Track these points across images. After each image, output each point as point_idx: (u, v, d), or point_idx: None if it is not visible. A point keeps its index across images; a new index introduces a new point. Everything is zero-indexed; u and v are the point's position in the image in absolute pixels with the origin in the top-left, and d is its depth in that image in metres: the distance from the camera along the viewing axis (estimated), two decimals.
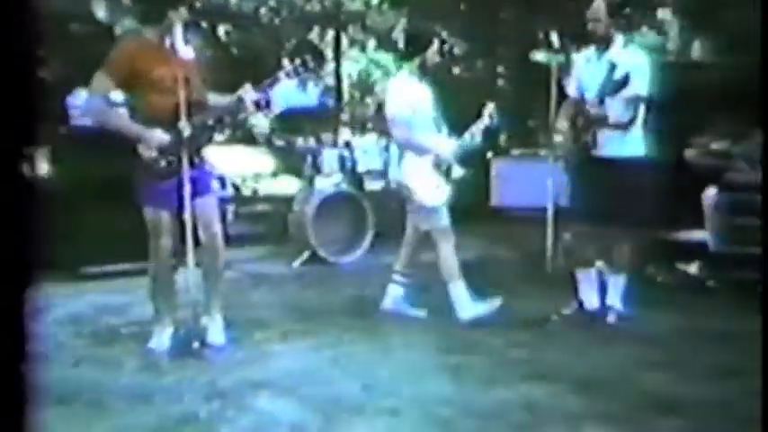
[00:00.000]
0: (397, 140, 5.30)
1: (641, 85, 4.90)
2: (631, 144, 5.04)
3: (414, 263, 5.46)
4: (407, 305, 5.37)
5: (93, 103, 4.40)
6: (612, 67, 4.85)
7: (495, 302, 5.17)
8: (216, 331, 4.58)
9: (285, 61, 7.72)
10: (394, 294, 5.40)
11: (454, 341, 4.73)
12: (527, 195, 5.34)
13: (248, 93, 4.41)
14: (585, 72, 5.12)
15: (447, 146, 5.28)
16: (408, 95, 5.19)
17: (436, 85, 5.34)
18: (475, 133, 5.36)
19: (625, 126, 4.94)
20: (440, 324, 5.09)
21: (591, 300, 5.17)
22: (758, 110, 6.51)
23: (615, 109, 4.90)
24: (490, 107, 5.37)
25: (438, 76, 5.36)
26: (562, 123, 5.10)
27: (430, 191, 5.19)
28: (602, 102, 4.90)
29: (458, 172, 5.29)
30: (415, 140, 5.19)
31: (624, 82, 4.76)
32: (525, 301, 5.61)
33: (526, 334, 4.87)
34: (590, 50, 5.13)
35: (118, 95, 4.40)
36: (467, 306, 5.17)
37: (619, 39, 5.04)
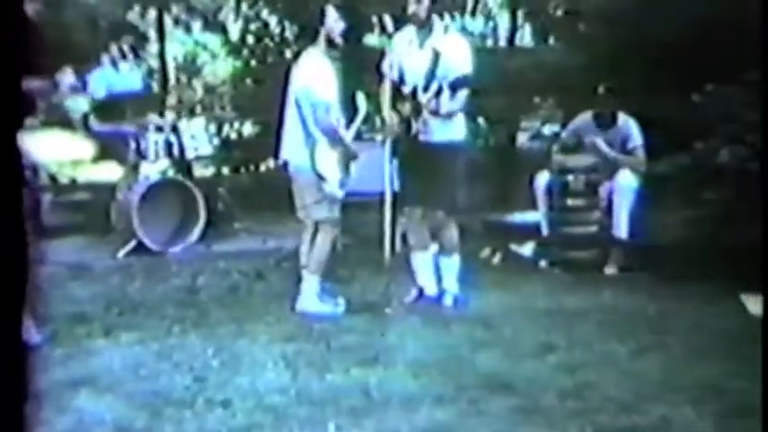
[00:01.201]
0: (321, 127, 4.91)
1: (465, 71, 4.88)
2: (457, 129, 5.09)
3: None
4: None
5: None
6: (436, 55, 4.83)
7: (339, 308, 5.01)
8: (28, 329, 4.25)
9: (112, 46, 7.37)
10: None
11: (288, 329, 4.63)
12: (364, 181, 5.28)
13: (66, 76, 4.11)
14: (407, 56, 5.05)
15: (348, 136, 5.10)
16: (325, 76, 4.93)
17: (344, 62, 5.07)
18: (359, 123, 5.22)
19: (451, 115, 4.97)
20: (273, 312, 4.97)
21: (429, 284, 5.16)
22: (588, 92, 6.76)
23: (441, 97, 4.88)
24: (362, 96, 5.21)
25: (348, 49, 5.12)
26: (389, 108, 5.06)
27: (338, 182, 5.00)
28: (426, 89, 4.87)
29: (353, 165, 5.11)
30: (337, 129, 4.97)
31: (462, 83, 4.78)
32: (362, 286, 5.57)
33: (361, 319, 4.82)
34: (410, 32, 5.06)
35: None
36: (311, 301, 5.00)
37: (439, 24, 5.04)
